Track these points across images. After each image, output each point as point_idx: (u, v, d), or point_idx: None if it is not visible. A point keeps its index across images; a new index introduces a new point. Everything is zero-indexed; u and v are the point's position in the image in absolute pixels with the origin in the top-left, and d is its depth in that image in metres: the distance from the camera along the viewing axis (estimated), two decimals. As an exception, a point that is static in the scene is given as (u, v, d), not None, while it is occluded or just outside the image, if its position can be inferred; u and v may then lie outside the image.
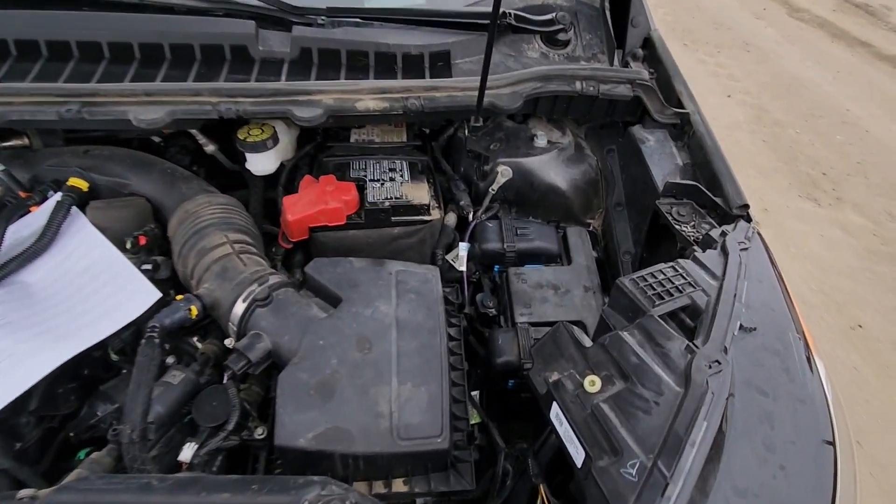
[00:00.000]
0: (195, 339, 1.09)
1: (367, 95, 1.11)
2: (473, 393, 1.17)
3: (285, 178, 1.35)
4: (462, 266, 1.27)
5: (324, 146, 1.39)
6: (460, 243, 1.28)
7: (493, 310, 1.23)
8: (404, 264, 1.07)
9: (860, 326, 2.78)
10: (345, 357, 0.93)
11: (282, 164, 1.37)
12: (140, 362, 0.87)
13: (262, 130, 1.21)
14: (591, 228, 1.40)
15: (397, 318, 0.98)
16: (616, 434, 0.69)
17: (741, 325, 0.78)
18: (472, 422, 1.14)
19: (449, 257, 1.32)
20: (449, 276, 1.32)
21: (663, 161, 1.20)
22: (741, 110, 4.43)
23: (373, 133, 1.42)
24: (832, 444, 0.70)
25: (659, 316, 0.80)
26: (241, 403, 0.95)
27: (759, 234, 0.97)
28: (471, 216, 1.32)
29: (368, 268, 1.05)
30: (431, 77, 1.21)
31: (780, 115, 4.35)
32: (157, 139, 1.40)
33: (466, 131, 1.33)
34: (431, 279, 1.06)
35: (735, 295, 0.82)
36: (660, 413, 0.69)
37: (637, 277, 0.86)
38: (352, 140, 1.40)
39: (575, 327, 0.88)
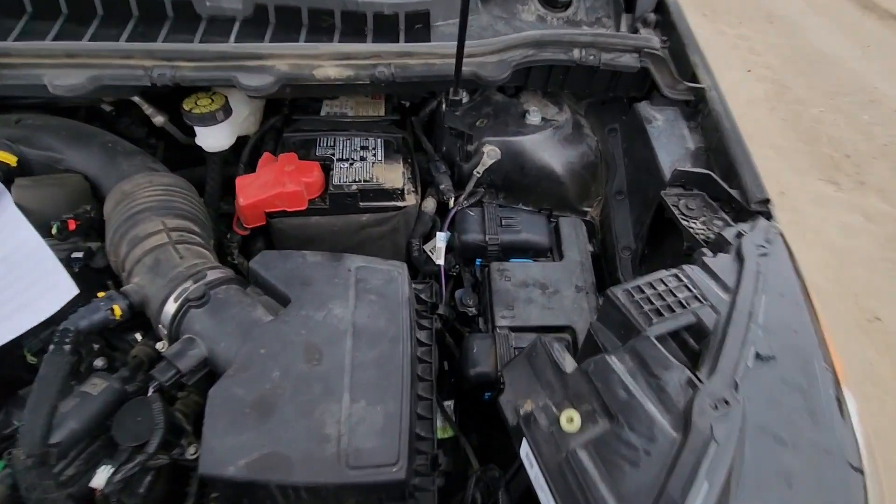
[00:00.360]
0: (138, 335, 0.96)
1: (329, 62, 0.95)
2: (447, 403, 1.05)
3: (248, 156, 1.21)
4: (440, 259, 1.13)
5: (290, 119, 1.24)
6: (438, 233, 1.14)
7: (473, 309, 1.09)
8: (366, 259, 0.93)
9: (878, 319, 2.62)
10: (289, 369, 0.80)
11: (244, 139, 1.22)
12: (43, 375, 0.74)
13: (212, 100, 1.05)
14: (587, 218, 1.25)
15: (354, 324, 0.85)
16: (594, 491, 0.55)
17: (757, 354, 0.64)
18: (444, 436, 1.01)
19: (427, 248, 1.18)
20: (427, 269, 1.18)
21: (672, 144, 1.04)
22: (761, 86, 4.19)
23: (346, 105, 1.26)
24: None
25: (657, 337, 0.66)
26: (172, 418, 0.83)
27: (781, 235, 0.82)
28: (451, 202, 1.17)
29: (324, 263, 0.91)
30: (406, 41, 1.05)
31: (802, 92, 4.10)
32: (107, 108, 1.26)
33: (444, 105, 1.17)
34: (397, 277, 0.92)
35: (750, 314, 0.68)
36: (650, 466, 0.56)
37: (632, 288, 0.71)
38: (322, 113, 1.24)
39: (555, 344, 0.74)
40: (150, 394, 0.81)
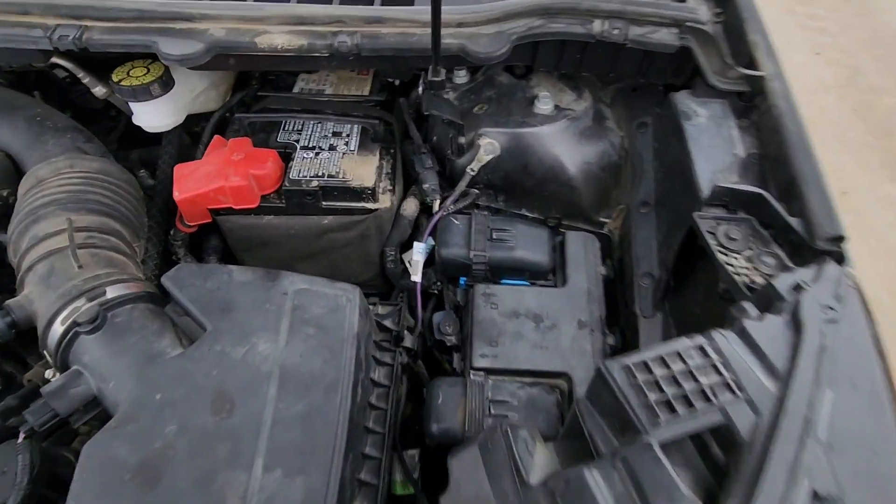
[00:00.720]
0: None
1: (277, 27, 0.75)
2: (412, 452, 0.86)
3: (209, 137, 1.03)
4: (416, 275, 0.93)
5: (258, 96, 1.05)
6: (416, 244, 0.94)
7: (452, 338, 0.90)
8: (310, 281, 0.74)
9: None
10: (189, 422, 0.62)
11: (204, 118, 1.04)
12: None
13: (149, 70, 0.88)
14: (604, 231, 1.03)
15: (282, 365, 0.67)
16: None
17: (815, 493, 0.42)
18: (403, 492, 0.83)
19: (407, 258, 0.98)
20: (404, 284, 0.99)
21: (715, 148, 0.81)
22: (830, 71, 3.76)
23: (326, 81, 1.06)
24: None
25: (663, 443, 0.46)
26: (55, 467, 0.68)
27: (858, 290, 0.59)
28: (436, 205, 0.97)
29: (254, 283, 0.73)
30: (383, 4, 0.84)
31: (876, 80, 3.66)
32: (61, 73, 1.10)
33: (420, 88, 0.96)
34: (344, 306, 0.73)
35: (808, 421, 0.46)
36: None
37: (635, 363, 0.50)
38: (296, 90, 1.05)
39: (522, 434, 0.54)
40: (20, 440, 0.66)
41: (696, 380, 0.50)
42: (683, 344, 0.52)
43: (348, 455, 0.66)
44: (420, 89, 0.96)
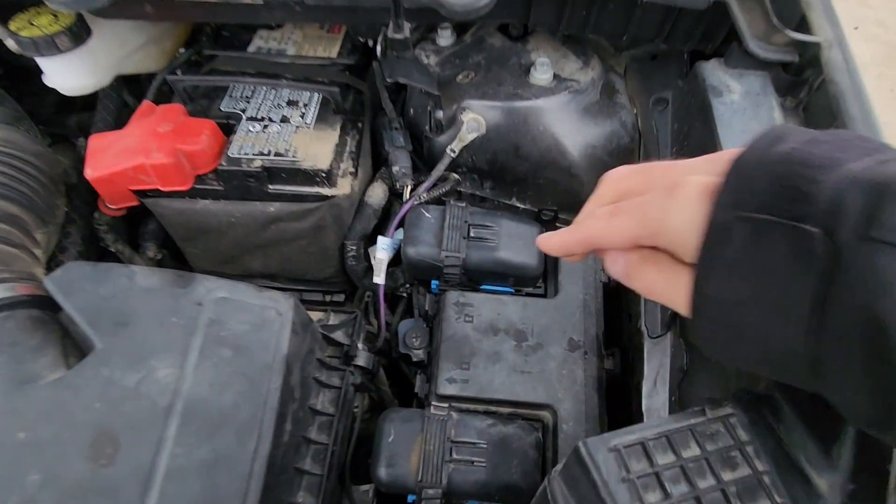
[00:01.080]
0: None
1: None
2: (365, 488, 0.73)
3: (154, 96, 0.88)
4: (379, 276, 0.78)
5: (206, 56, 0.89)
6: (380, 238, 0.79)
7: (420, 352, 0.75)
8: (233, 288, 0.60)
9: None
10: (58, 469, 0.49)
11: (146, 79, 0.89)
12: None
13: (56, 18, 0.72)
14: (608, 228, 0.87)
15: (186, 398, 0.53)
16: None
17: None
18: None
19: (373, 254, 0.83)
20: (367, 284, 0.84)
21: (751, 134, 0.64)
22: (869, 48, 3.47)
23: (288, 40, 0.90)
24: None
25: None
26: None
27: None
28: (406, 192, 0.81)
29: (161, 290, 0.58)
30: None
31: (922, 59, 3.38)
32: None
33: (379, 48, 0.79)
34: (273, 321, 0.59)
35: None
36: None
37: (626, 446, 0.35)
38: (251, 49, 0.89)
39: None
40: None
41: (716, 475, 0.35)
42: (695, 421, 0.37)
43: (264, 513, 0.52)
44: (378, 50, 0.79)
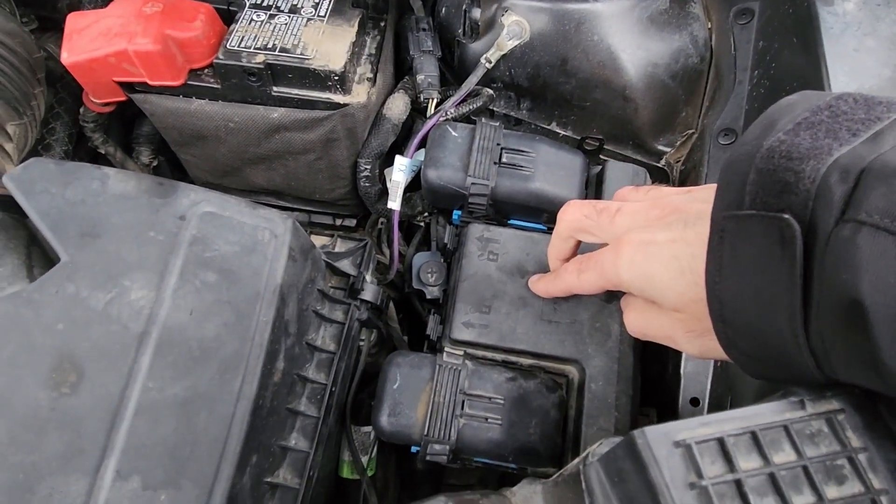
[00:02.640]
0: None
1: None
2: (366, 429, 0.68)
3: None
4: (394, 201, 0.69)
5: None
6: (397, 158, 0.69)
7: (434, 289, 0.67)
8: (224, 202, 0.51)
9: None
10: (12, 396, 0.43)
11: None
12: None
13: None
14: (660, 164, 0.75)
15: (163, 325, 0.46)
16: None
17: None
18: (350, 475, 0.66)
19: (388, 175, 0.74)
20: (381, 209, 0.75)
21: (868, 56, 0.51)
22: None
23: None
24: None
25: None
26: None
27: None
28: (431, 105, 0.70)
29: (138, 198, 0.50)
30: None
31: None
32: None
33: None
34: (267, 244, 0.50)
35: None
36: None
37: (702, 441, 0.27)
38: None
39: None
40: None
41: (816, 490, 0.26)
42: (798, 414, 0.28)
43: (248, 457, 0.46)
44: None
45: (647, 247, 0.41)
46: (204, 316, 0.47)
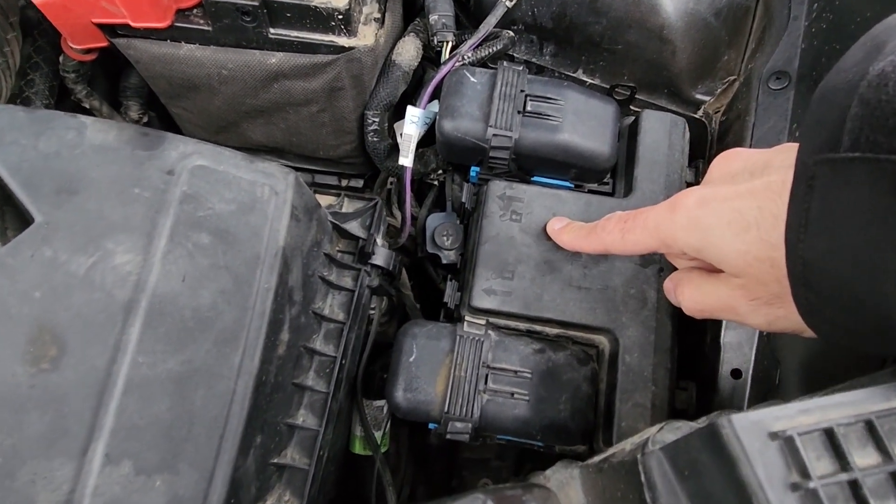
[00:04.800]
0: None
1: None
2: (379, 403, 0.63)
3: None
4: (406, 156, 0.63)
5: None
6: (409, 108, 0.62)
7: (451, 253, 0.62)
8: (218, 154, 0.45)
9: None
10: (-9, 372, 0.38)
11: None
12: None
13: None
14: (698, 115, 0.68)
15: (153, 293, 0.41)
16: None
17: None
18: (362, 451, 0.62)
19: (399, 129, 0.68)
20: (391, 166, 0.69)
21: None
22: None
23: None
24: None
25: None
26: None
27: None
28: (445, 51, 0.63)
29: (119, 150, 0.44)
30: None
31: None
32: None
33: None
34: (267, 201, 0.45)
35: None
36: None
37: (802, 434, 0.22)
38: None
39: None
40: None
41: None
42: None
43: (251, 437, 0.42)
44: None
45: (709, 203, 0.36)
46: (198, 282, 0.42)
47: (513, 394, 0.49)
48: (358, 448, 0.63)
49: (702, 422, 0.29)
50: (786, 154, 0.34)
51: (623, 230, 0.43)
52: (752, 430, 0.22)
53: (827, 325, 0.30)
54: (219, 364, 0.41)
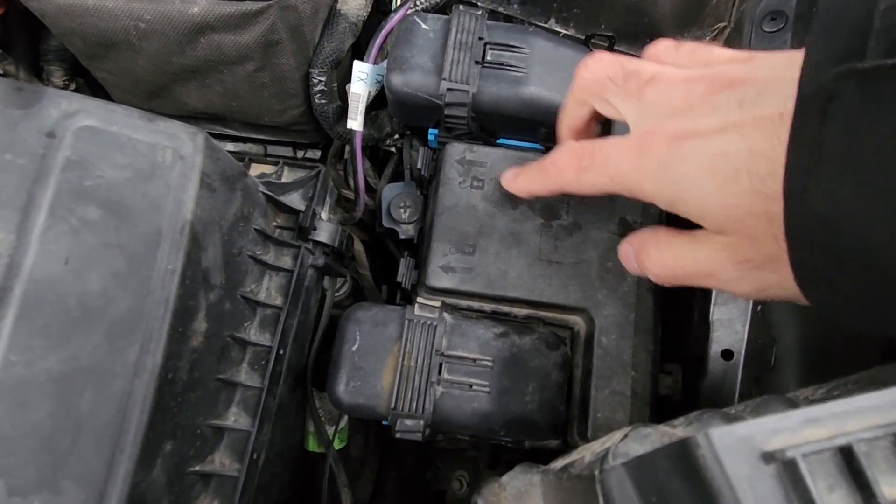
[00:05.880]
0: None
1: None
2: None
3: None
4: (354, 118, 0.56)
5: None
6: (356, 64, 0.55)
7: (408, 227, 0.55)
8: (110, 112, 0.38)
9: None
10: None
11: None
12: None
13: None
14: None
15: (29, 278, 0.34)
16: None
17: None
18: (316, 448, 0.56)
19: (349, 89, 0.60)
20: (341, 132, 0.62)
21: None
22: None
23: None
24: None
25: None
26: None
27: None
28: (397, -4, 0.56)
29: (-13, 108, 0.37)
30: None
31: None
32: None
33: None
34: (169, 167, 0.38)
35: None
36: None
37: (808, 455, 0.15)
38: None
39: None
40: None
41: None
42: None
43: (157, 445, 0.36)
44: None
45: (684, 142, 0.29)
46: (85, 265, 0.35)
47: (471, 385, 0.43)
48: (312, 446, 0.57)
49: (679, 425, 0.22)
50: (783, 69, 0.26)
51: (578, 169, 0.36)
52: (738, 449, 0.16)
53: (838, 298, 0.23)
54: (111, 361, 0.34)
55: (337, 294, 0.61)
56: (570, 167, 0.36)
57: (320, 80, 0.57)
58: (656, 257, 0.34)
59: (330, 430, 0.56)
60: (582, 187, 0.36)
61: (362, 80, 0.54)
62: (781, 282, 0.27)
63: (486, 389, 0.43)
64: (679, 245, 0.33)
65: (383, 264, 0.69)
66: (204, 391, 0.41)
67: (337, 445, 0.57)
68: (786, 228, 0.23)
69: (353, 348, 0.43)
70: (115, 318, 0.35)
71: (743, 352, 0.50)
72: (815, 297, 0.25)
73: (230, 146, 0.68)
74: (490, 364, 0.43)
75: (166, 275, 0.36)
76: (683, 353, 0.53)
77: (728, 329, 0.51)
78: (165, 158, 0.38)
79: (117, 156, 0.37)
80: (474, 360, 0.43)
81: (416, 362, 0.42)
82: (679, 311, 0.54)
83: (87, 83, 0.69)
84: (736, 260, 0.29)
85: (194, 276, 0.38)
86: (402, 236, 0.56)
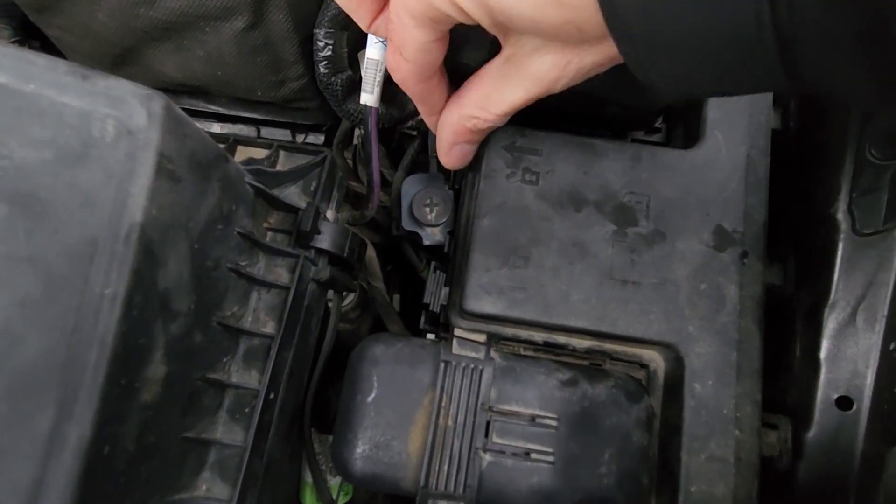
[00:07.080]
0: None
1: None
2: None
3: None
4: (368, 92, 0.44)
5: None
6: (370, 38, 0.43)
7: (435, 230, 0.44)
8: (29, 62, 0.27)
9: None
10: None
11: None
12: None
13: None
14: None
15: None
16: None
17: None
18: (312, 502, 0.45)
19: (361, 58, 0.49)
20: (350, 109, 0.50)
21: None
22: None
23: None
24: None
25: None
26: None
27: None
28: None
29: None
30: None
31: None
32: None
33: None
34: (111, 146, 0.26)
35: None
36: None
37: None
38: None
39: None
40: None
41: None
42: None
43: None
44: None
45: None
46: (28, 236, 0.24)
47: (529, 452, 0.31)
48: (309, 499, 0.46)
49: None
50: None
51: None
52: None
53: (659, 60, 0.24)
54: (12, 435, 0.23)
55: (329, 301, 0.50)
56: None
57: (327, 44, 0.45)
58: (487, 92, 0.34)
59: (332, 483, 0.45)
60: (406, 32, 0.31)
61: (381, 42, 0.42)
62: (601, 59, 0.28)
63: (550, 458, 0.31)
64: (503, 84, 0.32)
65: (394, 270, 0.58)
66: (162, 460, 0.29)
67: (341, 501, 0.46)
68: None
69: (370, 399, 0.32)
70: (18, 368, 0.23)
71: (867, 401, 0.39)
72: (645, 71, 0.25)
73: (215, 127, 0.56)
74: (555, 423, 0.32)
75: (102, 302, 0.25)
76: (781, 397, 0.42)
77: (842, 368, 0.41)
78: (105, 132, 0.26)
79: (33, 127, 0.25)
80: (533, 418, 0.32)
81: (455, 421, 0.31)
82: (771, 342, 0.43)
83: (43, 46, 0.57)
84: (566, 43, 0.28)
85: (146, 303, 0.26)
86: (426, 242, 0.45)
